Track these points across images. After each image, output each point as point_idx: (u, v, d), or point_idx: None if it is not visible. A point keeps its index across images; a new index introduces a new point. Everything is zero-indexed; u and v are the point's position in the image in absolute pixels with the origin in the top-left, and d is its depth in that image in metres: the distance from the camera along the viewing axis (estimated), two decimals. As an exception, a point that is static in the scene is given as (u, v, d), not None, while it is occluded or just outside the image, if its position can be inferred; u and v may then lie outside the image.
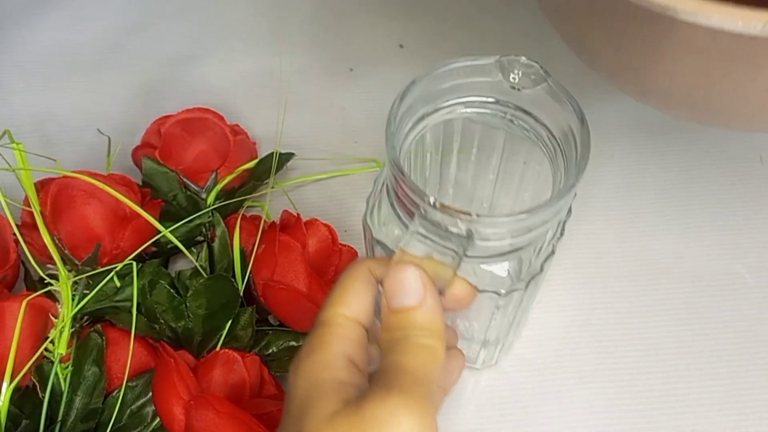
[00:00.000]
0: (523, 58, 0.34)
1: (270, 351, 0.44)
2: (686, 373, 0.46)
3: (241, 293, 0.43)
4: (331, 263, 0.45)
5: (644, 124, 0.57)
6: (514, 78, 0.34)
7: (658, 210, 0.53)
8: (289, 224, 0.45)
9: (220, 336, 0.42)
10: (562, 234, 0.36)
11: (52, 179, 0.43)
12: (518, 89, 0.34)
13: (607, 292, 0.49)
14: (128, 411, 0.41)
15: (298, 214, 0.45)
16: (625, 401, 0.45)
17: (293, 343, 0.44)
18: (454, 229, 0.31)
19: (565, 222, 0.37)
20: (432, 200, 0.30)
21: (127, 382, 0.40)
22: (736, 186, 0.54)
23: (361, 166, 0.54)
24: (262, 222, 0.44)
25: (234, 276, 0.44)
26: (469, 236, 0.31)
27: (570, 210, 0.37)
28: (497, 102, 0.36)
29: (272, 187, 0.50)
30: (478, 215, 0.30)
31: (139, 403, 0.41)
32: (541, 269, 0.36)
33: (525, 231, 0.32)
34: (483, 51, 0.35)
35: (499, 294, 0.35)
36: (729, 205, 0.53)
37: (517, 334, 0.45)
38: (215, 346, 0.42)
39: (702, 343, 0.47)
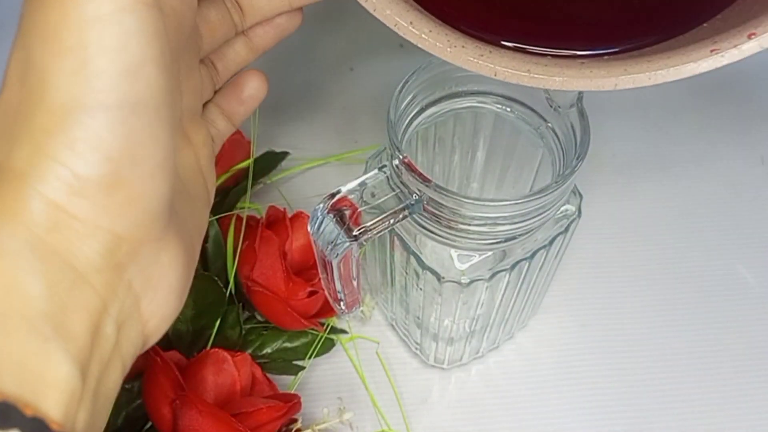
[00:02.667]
0: None
1: (264, 352, 0.44)
2: (686, 373, 0.46)
3: (232, 292, 0.43)
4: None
5: (645, 124, 0.57)
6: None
7: (658, 209, 0.53)
8: (276, 219, 0.45)
9: (210, 335, 0.42)
10: (552, 243, 0.36)
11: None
12: (554, 108, 0.35)
13: (606, 293, 0.49)
14: (124, 413, 0.40)
15: (284, 209, 0.45)
16: (625, 401, 0.45)
17: (287, 344, 0.44)
18: (414, 193, 0.32)
19: (569, 227, 0.37)
20: (403, 156, 0.32)
21: (123, 384, 0.40)
22: (736, 186, 0.54)
23: (358, 160, 0.54)
24: (245, 217, 0.44)
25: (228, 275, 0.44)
26: (418, 201, 0.33)
27: (580, 212, 0.37)
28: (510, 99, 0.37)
29: (263, 184, 0.50)
30: (435, 185, 0.31)
31: (134, 404, 0.41)
32: (512, 268, 0.36)
33: (492, 223, 0.32)
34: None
35: (460, 284, 0.35)
36: (730, 205, 0.53)
37: (499, 335, 0.45)
38: (205, 346, 0.42)
39: (702, 343, 0.47)
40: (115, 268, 0.25)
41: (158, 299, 0.28)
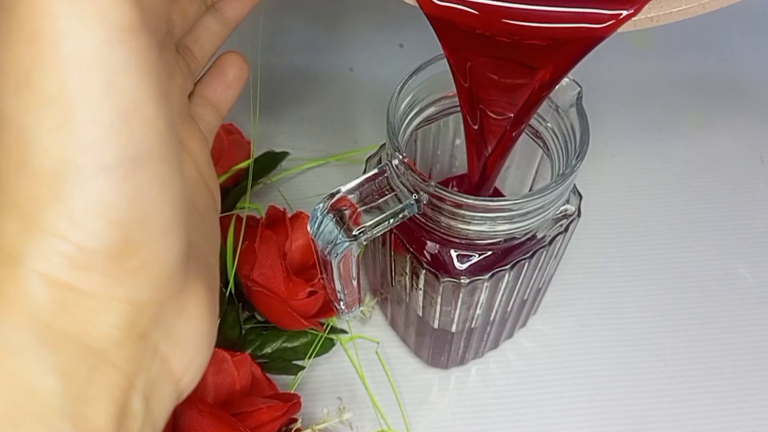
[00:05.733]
0: (568, 77, 0.33)
1: (264, 351, 0.44)
2: (686, 372, 0.46)
3: (232, 292, 0.43)
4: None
5: (645, 124, 0.57)
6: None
7: (658, 209, 0.53)
8: (276, 219, 0.45)
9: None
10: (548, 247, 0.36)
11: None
12: (554, 108, 0.34)
13: (606, 292, 0.49)
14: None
15: (284, 209, 0.45)
16: (624, 401, 0.45)
17: (287, 344, 0.44)
18: (413, 193, 0.32)
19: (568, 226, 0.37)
20: (402, 156, 0.32)
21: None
22: (736, 186, 0.55)
23: (358, 160, 0.54)
24: (245, 217, 0.44)
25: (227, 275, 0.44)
26: (418, 201, 0.32)
27: (579, 212, 0.37)
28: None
29: (263, 184, 0.50)
30: (434, 184, 0.31)
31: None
32: (512, 268, 0.36)
33: (491, 222, 0.32)
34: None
35: (459, 284, 0.35)
36: (729, 205, 0.54)
37: (499, 335, 0.45)
38: None
39: (702, 343, 0.47)
40: (138, 338, 0.23)
41: (189, 352, 0.25)
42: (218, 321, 0.27)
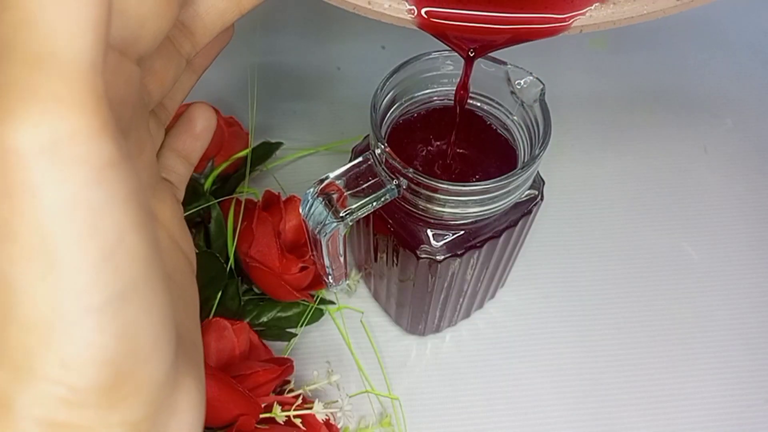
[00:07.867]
0: (533, 75, 0.34)
1: (261, 320, 0.45)
2: (637, 339, 0.47)
3: (232, 267, 0.44)
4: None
5: (602, 118, 0.59)
6: (518, 86, 0.35)
7: (613, 193, 0.54)
8: (271, 202, 0.45)
9: (212, 306, 0.42)
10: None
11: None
12: (519, 103, 0.35)
13: (566, 267, 0.51)
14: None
15: (278, 194, 0.46)
16: (581, 365, 0.46)
17: (281, 314, 0.45)
18: (394, 178, 0.33)
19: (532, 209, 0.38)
20: (384, 145, 0.32)
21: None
22: (683, 173, 0.56)
23: (344, 150, 0.54)
24: (244, 201, 0.45)
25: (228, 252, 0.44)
26: (398, 186, 0.33)
27: (542, 196, 0.38)
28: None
29: (260, 171, 0.49)
30: (413, 171, 0.32)
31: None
32: (482, 246, 0.36)
33: (464, 205, 0.33)
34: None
35: (435, 260, 0.36)
36: (677, 190, 0.55)
37: (471, 306, 0.46)
38: (208, 315, 0.42)
39: (652, 312, 0.49)
40: None
41: None
42: (205, 403, 0.25)
